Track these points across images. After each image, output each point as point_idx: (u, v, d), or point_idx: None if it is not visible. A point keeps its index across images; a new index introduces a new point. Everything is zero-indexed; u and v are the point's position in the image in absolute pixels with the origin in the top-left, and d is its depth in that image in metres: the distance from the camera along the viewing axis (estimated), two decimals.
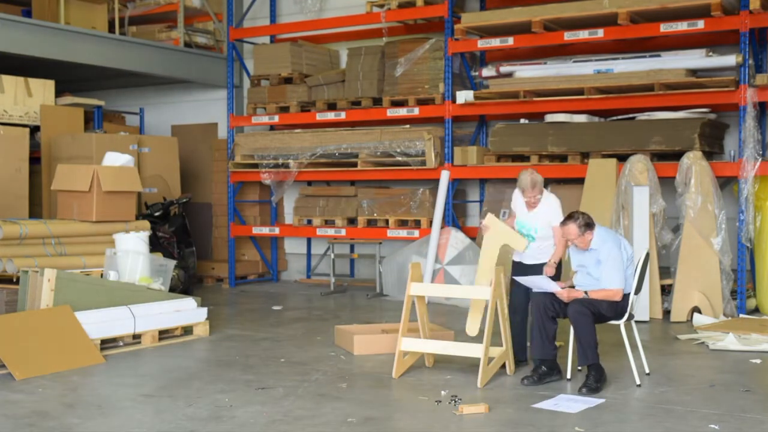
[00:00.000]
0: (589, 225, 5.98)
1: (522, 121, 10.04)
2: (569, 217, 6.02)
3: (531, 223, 6.44)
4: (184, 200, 10.97)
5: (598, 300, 5.88)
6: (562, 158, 9.57)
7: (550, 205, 6.44)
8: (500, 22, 9.75)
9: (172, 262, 8.47)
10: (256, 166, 11.46)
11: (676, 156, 8.84)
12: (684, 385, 5.97)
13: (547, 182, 9.96)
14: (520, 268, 6.53)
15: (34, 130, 10.53)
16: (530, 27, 9.50)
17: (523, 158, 9.75)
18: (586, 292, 5.93)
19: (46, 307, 7.00)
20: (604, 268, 5.90)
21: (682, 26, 8.83)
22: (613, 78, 9.23)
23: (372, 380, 6.13)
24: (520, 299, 6.49)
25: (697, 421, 5.05)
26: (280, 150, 11.18)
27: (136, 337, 7.37)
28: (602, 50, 9.89)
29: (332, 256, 11.09)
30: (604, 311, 5.92)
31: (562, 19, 9.42)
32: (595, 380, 5.78)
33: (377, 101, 10.81)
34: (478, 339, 6.19)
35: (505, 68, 10.03)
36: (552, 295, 5.99)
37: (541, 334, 5.96)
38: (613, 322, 5.99)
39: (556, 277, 6.32)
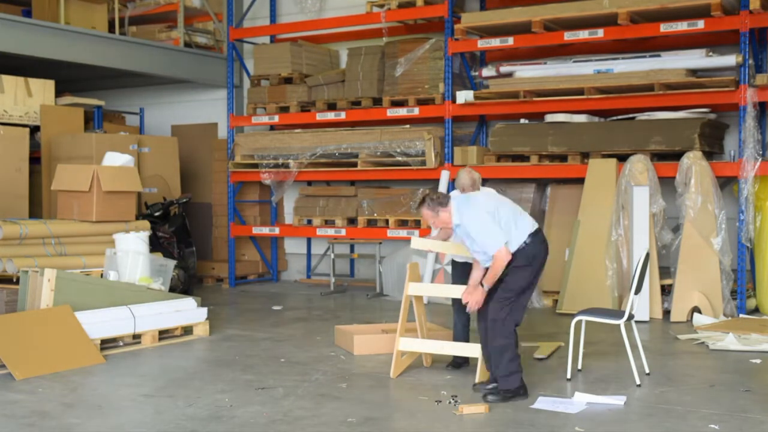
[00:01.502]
0: (442, 202, 5.50)
1: (522, 121, 10.04)
2: (421, 202, 5.60)
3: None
4: (184, 200, 10.97)
5: (500, 287, 5.45)
6: (562, 158, 9.57)
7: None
8: (500, 22, 9.75)
9: (172, 262, 8.48)
10: (256, 166, 11.46)
11: (676, 156, 8.84)
12: (684, 385, 5.97)
13: (547, 182, 10.00)
14: (466, 268, 6.29)
15: (34, 130, 10.53)
16: (530, 27, 9.50)
17: (523, 158, 9.75)
18: (481, 284, 5.49)
19: (46, 307, 7.00)
20: (477, 240, 5.43)
21: (682, 26, 8.83)
22: (613, 78, 9.23)
23: (372, 380, 6.13)
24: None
25: (697, 421, 5.05)
26: (280, 150, 11.17)
27: (136, 337, 7.37)
28: (602, 50, 9.89)
29: (332, 256, 11.09)
30: (510, 287, 5.46)
31: (562, 19, 9.41)
32: (504, 392, 5.48)
33: (377, 101, 10.81)
34: (477, 339, 6.19)
35: (505, 68, 10.03)
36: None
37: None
38: (613, 322, 5.99)
39: None
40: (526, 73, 9.79)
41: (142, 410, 5.44)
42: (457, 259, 6.53)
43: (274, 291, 11.28)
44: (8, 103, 10.16)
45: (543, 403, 5.43)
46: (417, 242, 6.37)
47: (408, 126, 10.49)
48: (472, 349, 6.03)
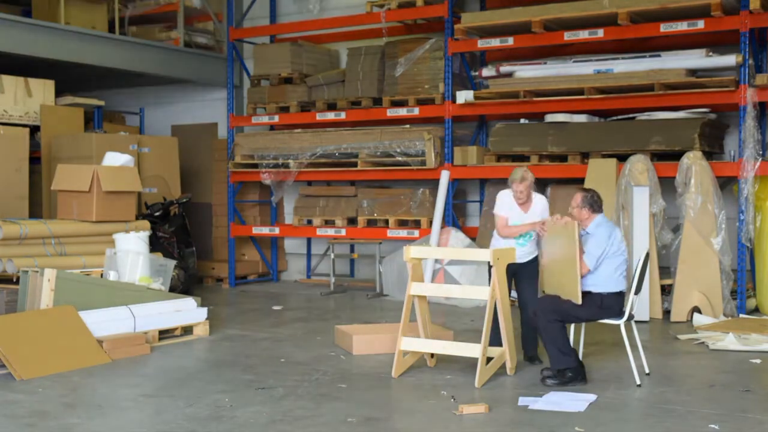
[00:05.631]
0: (593, 206, 6.04)
1: (522, 121, 10.04)
2: (583, 189, 6.14)
3: (522, 221, 6.56)
4: (184, 200, 10.97)
5: (568, 303, 5.94)
6: (562, 158, 9.57)
7: (543, 202, 6.66)
8: (500, 22, 9.75)
9: (172, 262, 8.47)
10: (256, 166, 11.46)
11: (676, 156, 8.84)
12: (684, 385, 5.97)
13: (548, 182, 10.00)
14: (516, 267, 6.53)
15: (34, 130, 10.53)
16: (530, 27, 9.50)
17: (523, 158, 9.75)
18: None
19: (50, 308, 7.00)
20: (588, 244, 5.98)
21: (682, 26, 8.83)
22: (613, 78, 9.23)
23: (372, 380, 6.13)
24: (524, 296, 6.59)
25: (697, 421, 5.05)
26: (280, 150, 11.17)
27: None
28: (602, 50, 9.89)
29: (332, 256, 11.09)
30: (578, 313, 5.97)
31: (562, 19, 9.41)
32: (561, 373, 5.88)
33: (377, 101, 10.80)
34: (477, 339, 6.19)
35: (505, 68, 10.03)
36: (554, 301, 6.00)
37: (554, 344, 5.92)
38: (613, 322, 5.99)
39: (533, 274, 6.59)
40: (526, 73, 9.79)
41: (143, 410, 5.44)
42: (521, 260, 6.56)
43: (274, 291, 11.28)
44: (8, 103, 10.16)
45: (529, 401, 5.45)
46: (415, 251, 6.38)
47: (408, 126, 10.49)
48: (473, 350, 6.03)
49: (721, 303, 8.44)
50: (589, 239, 6.00)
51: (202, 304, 8.03)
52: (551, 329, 5.89)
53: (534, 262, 6.59)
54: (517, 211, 6.59)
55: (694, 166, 8.56)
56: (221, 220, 12.27)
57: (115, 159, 9.12)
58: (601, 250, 5.93)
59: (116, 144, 10.23)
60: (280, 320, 8.90)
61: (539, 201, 6.65)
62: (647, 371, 6.19)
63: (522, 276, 6.57)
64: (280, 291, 11.28)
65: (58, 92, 10.86)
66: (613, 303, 5.99)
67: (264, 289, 11.50)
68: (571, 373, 5.88)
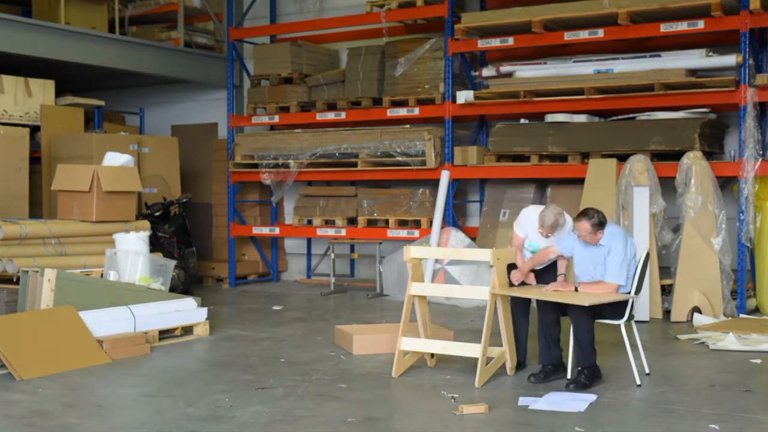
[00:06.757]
0: (602, 224, 5.95)
1: (522, 121, 10.04)
2: (583, 214, 5.97)
3: (544, 246, 6.37)
4: (184, 200, 10.97)
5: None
6: (562, 158, 9.57)
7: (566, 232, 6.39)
8: (500, 22, 9.75)
9: (172, 262, 8.47)
10: (256, 166, 11.46)
11: (676, 156, 8.84)
12: (684, 385, 5.97)
13: (548, 182, 10.01)
14: (535, 274, 6.43)
15: (34, 130, 10.53)
16: (530, 27, 9.50)
17: (523, 158, 9.75)
18: (576, 288, 5.97)
19: (50, 308, 7.00)
20: (608, 260, 5.91)
21: (682, 26, 8.83)
22: (613, 78, 9.23)
23: (372, 380, 6.13)
24: (522, 303, 6.40)
25: (697, 421, 5.05)
26: (280, 150, 11.17)
27: None
28: (602, 50, 9.89)
29: (332, 256, 11.09)
30: (605, 310, 5.93)
31: (562, 19, 9.41)
32: (586, 378, 5.84)
33: (377, 101, 10.80)
34: (477, 339, 6.19)
35: (505, 68, 10.03)
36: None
37: (546, 339, 6.02)
38: (612, 322, 5.99)
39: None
40: (526, 73, 9.79)
41: (142, 410, 5.44)
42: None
43: (274, 291, 11.28)
44: (8, 103, 10.16)
45: (531, 401, 5.45)
46: (415, 251, 6.38)
47: (408, 126, 10.48)
48: (473, 350, 6.03)
49: (721, 303, 8.44)
50: (608, 254, 5.92)
51: (202, 304, 8.03)
52: (587, 324, 5.84)
53: (552, 267, 6.44)
54: (537, 236, 6.34)
55: (694, 166, 8.56)
56: (221, 220, 12.28)
57: (115, 159, 9.12)
58: (622, 258, 5.88)
59: (116, 144, 10.23)
60: (280, 320, 8.90)
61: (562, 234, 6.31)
62: (647, 371, 6.19)
63: (542, 282, 6.31)
64: (280, 291, 11.28)
65: (58, 92, 10.85)
66: (627, 302, 5.99)
67: (264, 289, 11.51)
68: (594, 373, 5.90)
